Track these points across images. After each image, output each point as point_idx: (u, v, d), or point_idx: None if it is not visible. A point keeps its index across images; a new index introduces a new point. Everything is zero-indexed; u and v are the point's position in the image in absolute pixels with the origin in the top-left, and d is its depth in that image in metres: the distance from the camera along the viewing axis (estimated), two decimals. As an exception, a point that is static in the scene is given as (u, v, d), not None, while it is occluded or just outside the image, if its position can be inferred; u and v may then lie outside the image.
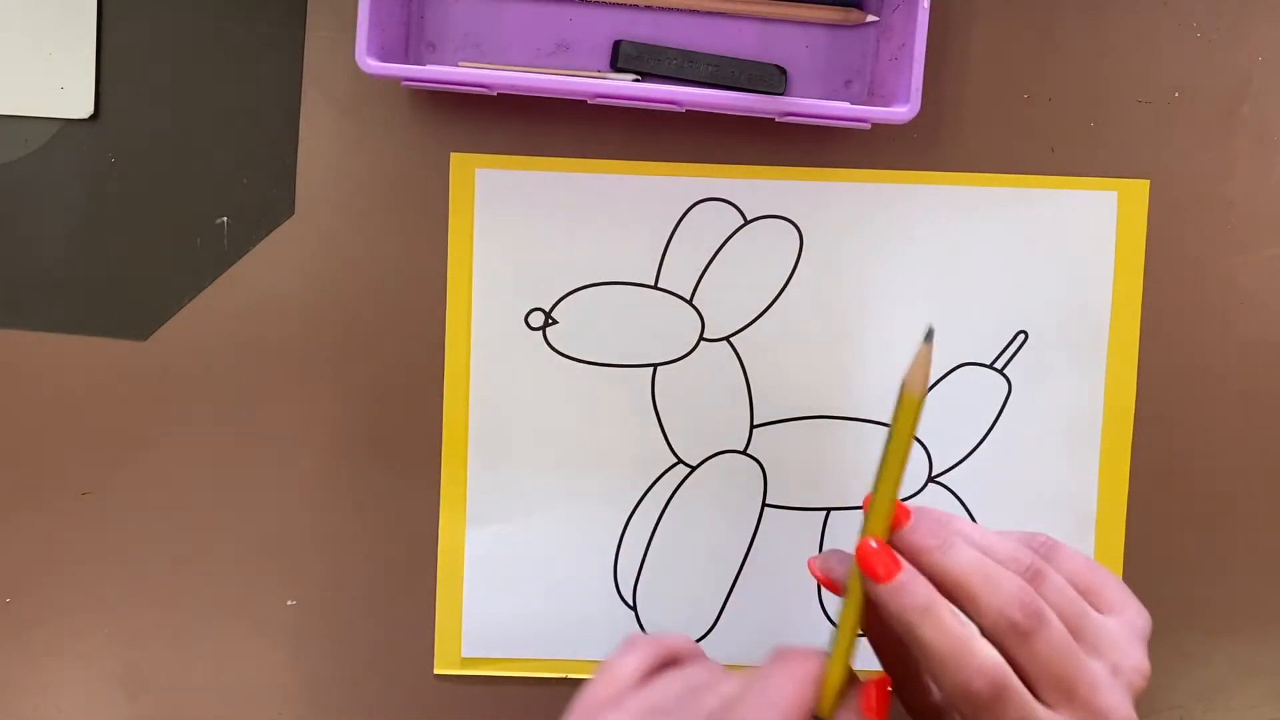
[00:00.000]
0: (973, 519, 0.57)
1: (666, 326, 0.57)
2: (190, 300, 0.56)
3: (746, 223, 0.57)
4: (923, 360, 0.38)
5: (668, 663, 0.45)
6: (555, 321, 0.57)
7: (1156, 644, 0.59)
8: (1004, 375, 0.57)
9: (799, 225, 0.57)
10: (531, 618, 0.58)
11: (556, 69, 0.55)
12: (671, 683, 0.44)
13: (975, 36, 0.56)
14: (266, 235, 0.56)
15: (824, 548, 0.58)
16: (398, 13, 0.53)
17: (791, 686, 0.39)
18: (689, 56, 0.55)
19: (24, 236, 0.56)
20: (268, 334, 0.56)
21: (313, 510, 0.57)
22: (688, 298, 0.57)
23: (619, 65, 0.55)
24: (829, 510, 0.58)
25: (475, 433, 0.57)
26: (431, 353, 0.57)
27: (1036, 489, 0.57)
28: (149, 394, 0.57)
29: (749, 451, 0.57)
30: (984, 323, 0.57)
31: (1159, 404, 0.57)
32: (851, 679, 0.41)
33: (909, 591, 0.38)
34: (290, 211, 0.56)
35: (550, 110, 0.55)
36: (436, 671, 0.58)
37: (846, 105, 0.51)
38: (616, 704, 0.43)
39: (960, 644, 0.37)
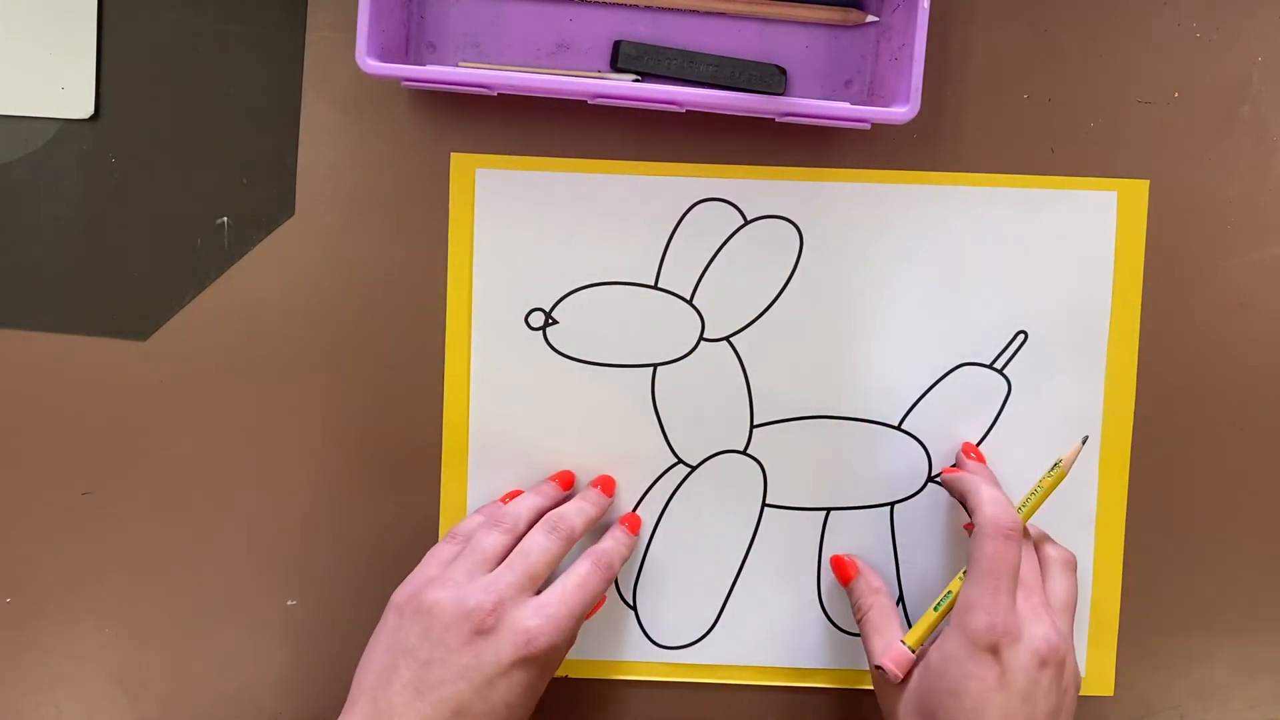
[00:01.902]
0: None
1: (666, 326, 0.57)
2: (190, 300, 0.56)
3: (746, 223, 0.57)
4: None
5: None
6: (555, 321, 0.57)
7: (1157, 644, 0.59)
8: (1004, 375, 0.57)
9: (799, 225, 0.57)
10: (531, 618, 0.58)
11: (556, 69, 0.55)
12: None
13: (975, 36, 0.56)
14: (266, 235, 0.56)
15: (824, 548, 0.58)
16: (398, 13, 0.53)
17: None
18: (689, 56, 0.55)
19: (24, 236, 0.56)
20: (268, 334, 0.56)
21: (313, 510, 0.57)
22: (688, 298, 0.57)
23: (619, 65, 0.55)
24: (829, 510, 0.58)
25: (475, 433, 0.57)
26: (431, 353, 0.57)
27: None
28: (149, 394, 0.57)
29: (749, 451, 0.57)
30: (984, 323, 0.57)
31: (1159, 404, 0.57)
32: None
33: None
34: (290, 211, 0.56)
35: (550, 110, 0.55)
36: (436, 671, 0.58)
37: (846, 105, 0.51)
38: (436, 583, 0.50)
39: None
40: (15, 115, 0.55)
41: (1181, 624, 0.58)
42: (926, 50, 0.50)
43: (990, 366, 0.57)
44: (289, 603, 0.57)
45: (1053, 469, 0.53)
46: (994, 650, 0.48)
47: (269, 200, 0.56)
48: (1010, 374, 0.57)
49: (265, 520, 0.57)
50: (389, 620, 0.50)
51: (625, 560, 0.55)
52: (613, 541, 0.54)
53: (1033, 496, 0.53)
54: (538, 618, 0.48)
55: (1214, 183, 0.57)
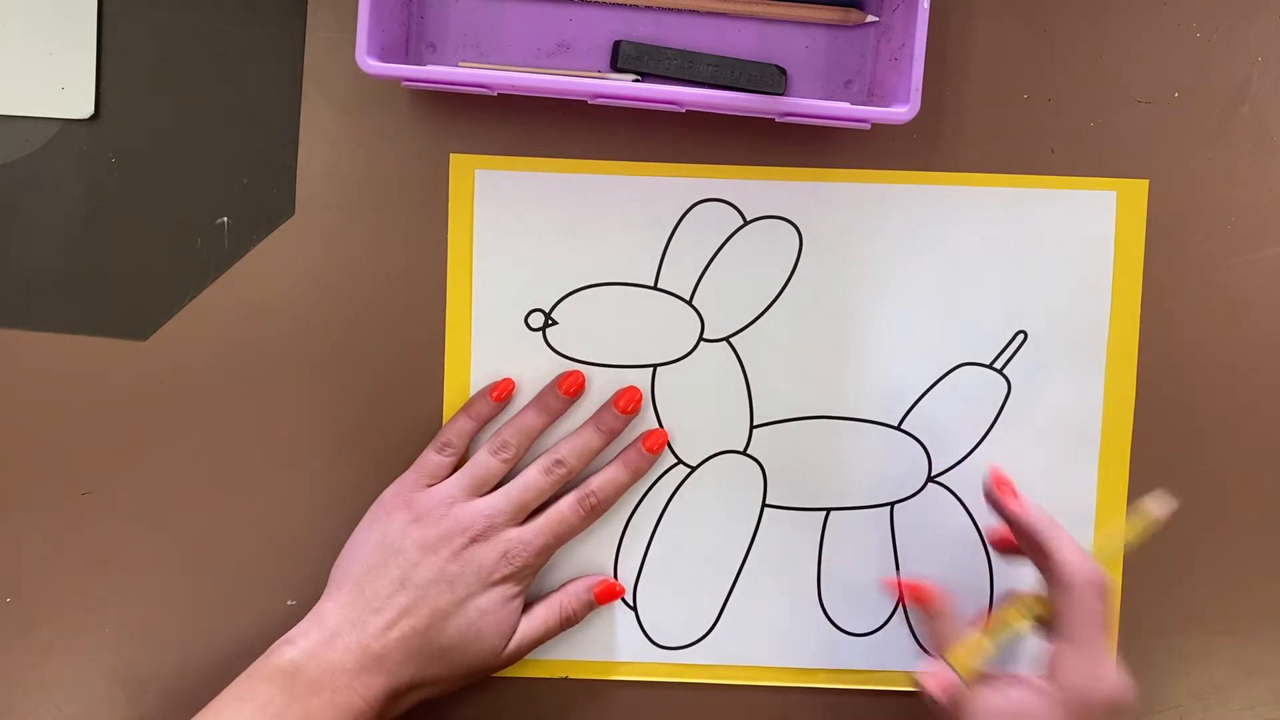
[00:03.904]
0: (972, 519, 0.57)
1: (666, 327, 0.57)
2: (190, 300, 0.56)
3: (746, 223, 0.57)
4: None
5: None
6: (555, 322, 0.57)
7: (1157, 644, 0.59)
8: (1003, 375, 0.57)
9: (799, 225, 0.57)
10: (531, 618, 0.58)
11: (556, 69, 0.55)
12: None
13: (975, 36, 0.56)
14: (266, 235, 0.56)
15: (824, 548, 0.58)
16: (398, 13, 0.53)
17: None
18: (689, 57, 0.55)
19: (24, 236, 0.56)
20: (268, 334, 0.56)
21: (313, 510, 0.57)
22: (688, 298, 0.57)
23: (619, 65, 0.55)
24: (829, 510, 0.58)
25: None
26: (431, 353, 0.57)
27: (1036, 489, 0.57)
28: (149, 394, 0.57)
29: (749, 451, 0.57)
30: (984, 323, 0.57)
31: (1159, 404, 0.57)
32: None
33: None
34: (290, 211, 0.56)
35: (550, 110, 0.55)
36: (436, 671, 0.58)
37: (846, 105, 0.51)
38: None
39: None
40: (15, 115, 0.55)
41: (1181, 624, 0.58)
42: (926, 50, 0.50)
43: (990, 366, 0.57)
44: (289, 603, 0.57)
45: (1135, 517, 0.52)
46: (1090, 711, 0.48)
47: (269, 200, 0.56)
48: (1010, 374, 0.57)
49: (265, 520, 0.57)
50: (380, 519, 0.54)
51: (622, 492, 0.56)
52: (602, 481, 0.55)
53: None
54: (520, 539, 0.53)
55: (1214, 183, 0.57)
